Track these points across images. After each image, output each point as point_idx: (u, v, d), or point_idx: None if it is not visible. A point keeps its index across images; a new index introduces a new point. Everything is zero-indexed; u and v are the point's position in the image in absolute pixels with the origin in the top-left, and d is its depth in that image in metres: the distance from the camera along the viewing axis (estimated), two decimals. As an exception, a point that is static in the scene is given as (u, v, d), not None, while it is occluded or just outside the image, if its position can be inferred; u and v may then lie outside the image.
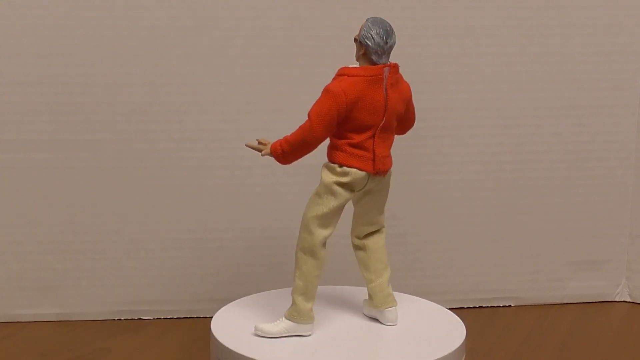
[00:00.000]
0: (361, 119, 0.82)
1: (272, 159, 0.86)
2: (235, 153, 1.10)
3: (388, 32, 0.82)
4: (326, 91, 0.81)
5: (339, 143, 0.83)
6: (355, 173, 0.83)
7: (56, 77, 1.07)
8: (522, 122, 1.16)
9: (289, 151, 0.84)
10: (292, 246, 0.86)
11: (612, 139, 1.18)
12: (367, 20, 0.82)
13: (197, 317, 1.14)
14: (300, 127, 0.82)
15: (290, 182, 1.11)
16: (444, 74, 1.13)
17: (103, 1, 1.06)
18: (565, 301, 1.21)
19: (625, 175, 1.19)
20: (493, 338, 1.09)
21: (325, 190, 0.83)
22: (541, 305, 1.20)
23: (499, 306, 1.20)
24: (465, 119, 1.14)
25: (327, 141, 0.85)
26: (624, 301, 1.22)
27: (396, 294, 0.89)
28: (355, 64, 0.83)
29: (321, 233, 0.83)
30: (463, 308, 1.18)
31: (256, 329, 0.85)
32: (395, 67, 0.82)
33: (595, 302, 1.21)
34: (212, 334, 0.86)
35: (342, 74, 0.82)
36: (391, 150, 0.85)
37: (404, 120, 0.87)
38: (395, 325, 0.87)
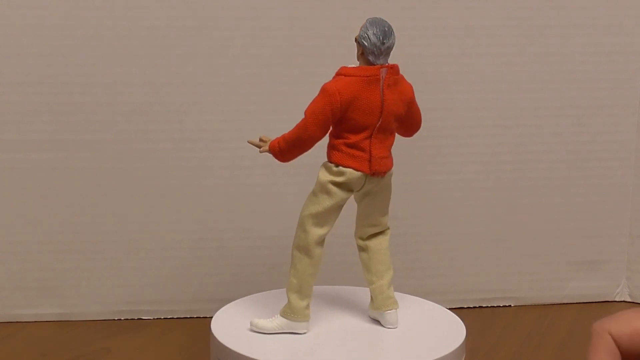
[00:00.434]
0: (357, 119, 0.82)
1: (272, 158, 0.86)
2: (235, 153, 1.10)
3: (386, 33, 0.81)
4: (322, 90, 0.82)
5: (336, 142, 0.83)
6: (350, 173, 0.82)
7: (56, 77, 1.07)
8: (522, 122, 1.16)
9: (285, 149, 0.84)
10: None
11: (612, 139, 1.18)
12: (366, 20, 0.82)
13: (197, 317, 1.14)
14: (297, 125, 0.83)
15: (290, 182, 1.11)
16: (444, 74, 1.13)
17: (103, 1, 1.06)
18: (565, 301, 1.21)
19: (625, 175, 1.19)
20: (493, 338, 1.09)
21: (321, 189, 0.83)
22: (541, 305, 1.20)
23: (499, 306, 1.20)
24: (465, 119, 1.14)
25: (328, 140, 0.85)
26: (624, 301, 1.22)
27: (396, 294, 0.89)
28: (356, 64, 0.83)
29: (316, 232, 0.84)
30: (463, 308, 1.18)
31: (251, 324, 0.85)
32: (394, 68, 0.82)
33: (595, 302, 1.21)
34: (212, 334, 0.86)
35: (339, 73, 0.82)
36: (392, 151, 0.85)
37: (408, 123, 0.86)
38: (396, 327, 0.87)
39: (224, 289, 1.12)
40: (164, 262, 1.12)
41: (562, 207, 1.19)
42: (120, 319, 1.13)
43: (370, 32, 0.81)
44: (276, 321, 0.85)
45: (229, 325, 0.87)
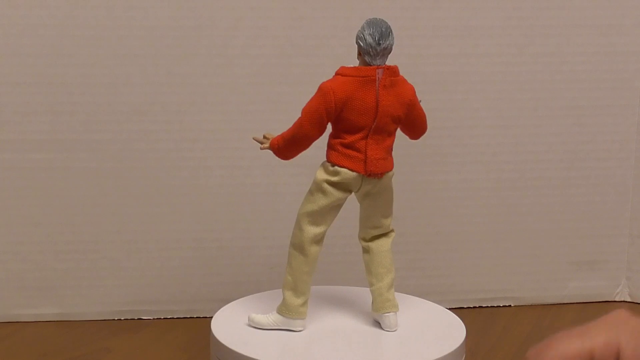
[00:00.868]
0: (351, 119, 0.82)
1: (272, 157, 0.86)
2: (235, 153, 1.11)
3: (383, 34, 0.81)
4: (318, 89, 0.82)
5: (333, 142, 0.83)
6: (345, 173, 0.82)
7: (56, 77, 1.07)
8: (522, 122, 1.16)
9: (283, 147, 0.85)
10: (292, 246, 0.86)
11: (612, 139, 1.18)
12: (365, 20, 0.82)
13: (197, 317, 1.14)
14: (294, 124, 0.84)
15: (290, 182, 1.11)
16: (444, 74, 1.13)
17: (103, 1, 1.06)
18: (565, 301, 1.21)
19: (625, 175, 1.19)
20: (493, 338, 1.09)
21: (317, 188, 0.83)
22: (541, 305, 1.20)
23: (499, 306, 1.20)
24: (465, 119, 1.14)
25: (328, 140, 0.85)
26: (624, 301, 1.22)
27: (396, 294, 0.88)
28: (357, 64, 0.83)
29: (311, 230, 0.84)
30: (463, 308, 1.18)
31: (249, 318, 0.87)
32: (391, 70, 0.82)
33: (595, 302, 1.21)
34: (212, 334, 0.86)
35: (337, 73, 0.83)
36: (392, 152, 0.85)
37: (411, 126, 0.86)
38: (394, 331, 0.86)
39: (224, 289, 1.12)
40: (164, 262, 1.12)
41: (562, 207, 1.19)
42: (120, 319, 1.13)
43: (366, 33, 0.81)
44: (272, 317, 0.86)
45: (229, 325, 0.87)
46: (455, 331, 0.88)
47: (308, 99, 0.84)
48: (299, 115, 0.84)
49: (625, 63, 1.16)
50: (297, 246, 0.85)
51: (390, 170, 0.85)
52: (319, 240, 0.85)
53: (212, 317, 0.90)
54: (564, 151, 1.17)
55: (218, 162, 1.11)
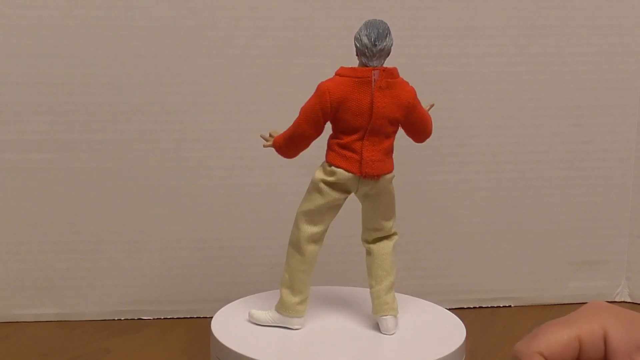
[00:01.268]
0: (347, 120, 0.82)
1: (272, 158, 0.87)
2: (235, 153, 1.10)
3: (379, 35, 0.81)
4: (316, 88, 0.83)
5: (331, 142, 0.84)
6: (341, 173, 0.83)
7: (56, 77, 1.07)
8: (522, 122, 1.16)
9: (283, 145, 0.86)
10: (292, 246, 0.86)
11: (612, 139, 1.18)
12: (364, 21, 0.82)
13: (197, 317, 1.14)
14: (293, 122, 0.85)
15: (290, 182, 1.11)
16: (444, 74, 1.13)
17: (103, 1, 1.06)
18: (565, 301, 1.21)
19: (625, 175, 1.19)
20: (493, 338, 1.09)
21: (314, 187, 0.84)
22: (541, 305, 1.20)
23: (499, 306, 1.20)
24: (465, 119, 1.14)
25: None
26: (624, 301, 1.22)
27: (396, 294, 0.88)
28: (357, 64, 0.83)
29: (308, 229, 0.84)
30: (463, 308, 1.18)
31: (249, 314, 0.88)
32: (387, 71, 0.81)
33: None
34: (212, 334, 0.86)
35: (336, 73, 0.83)
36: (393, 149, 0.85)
37: (413, 129, 0.85)
38: (391, 334, 0.86)
39: (224, 289, 1.12)
40: (164, 262, 1.12)
41: (562, 207, 1.18)
42: (120, 319, 1.13)
43: (362, 33, 0.81)
44: (270, 314, 0.87)
45: (229, 325, 0.87)
46: (455, 331, 0.88)
47: (308, 99, 0.84)
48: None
49: (625, 63, 1.16)
50: (295, 245, 0.85)
51: (389, 172, 0.84)
52: (316, 239, 0.85)
53: (212, 317, 0.90)
54: (564, 151, 1.17)
55: (218, 162, 1.11)
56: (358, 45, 0.81)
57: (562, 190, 1.18)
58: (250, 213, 1.12)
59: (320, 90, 0.82)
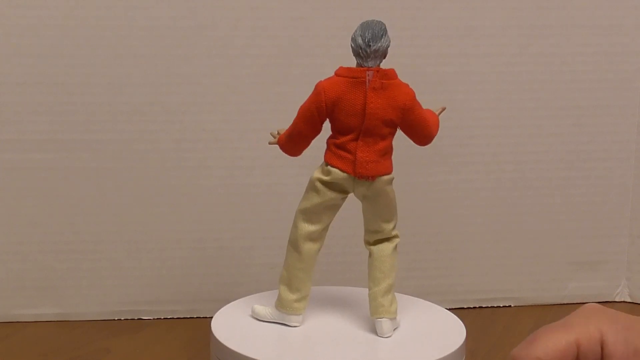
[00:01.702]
0: (341, 120, 0.82)
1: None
2: (235, 153, 1.10)
3: (375, 36, 0.81)
4: (314, 87, 0.83)
5: (329, 142, 0.84)
6: (336, 173, 0.83)
7: (56, 77, 1.07)
8: (522, 122, 1.16)
9: (285, 143, 0.87)
10: (292, 246, 0.86)
11: (612, 139, 1.18)
12: (361, 22, 0.83)
13: (197, 317, 1.14)
14: (292, 121, 0.86)
15: (290, 182, 1.11)
16: (444, 74, 1.13)
17: (103, 1, 1.06)
18: (565, 301, 1.21)
19: (625, 175, 1.19)
20: (493, 338, 1.09)
21: (310, 186, 0.84)
22: (541, 305, 1.20)
23: (499, 306, 1.20)
24: (465, 119, 1.14)
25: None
26: (624, 301, 1.22)
27: (396, 295, 0.88)
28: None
29: (305, 227, 0.85)
30: (463, 308, 1.18)
31: (252, 309, 0.89)
32: (381, 72, 0.81)
33: (595, 302, 1.21)
34: (212, 334, 0.86)
35: (335, 72, 0.83)
36: (392, 151, 0.85)
37: (410, 131, 0.85)
38: (387, 337, 0.85)
39: (224, 289, 1.12)
40: (164, 262, 1.12)
41: (562, 207, 1.18)
42: (120, 319, 1.13)
43: (357, 34, 0.81)
44: (269, 310, 0.88)
45: (229, 325, 0.87)
46: (455, 332, 0.88)
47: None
48: (299, 114, 0.85)
49: (625, 63, 1.16)
50: (293, 242, 0.86)
51: (385, 174, 0.84)
52: (314, 238, 0.85)
53: (212, 317, 0.90)
54: (564, 151, 1.17)
55: (218, 162, 1.11)
56: (353, 45, 0.81)
57: (562, 190, 1.18)
58: (250, 213, 1.12)
59: (317, 90, 0.83)
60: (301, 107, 0.84)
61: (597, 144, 1.18)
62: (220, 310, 0.92)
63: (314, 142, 0.87)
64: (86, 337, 1.08)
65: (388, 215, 0.86)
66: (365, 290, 0.91)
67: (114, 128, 1.09)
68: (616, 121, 1.17)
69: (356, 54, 0.81)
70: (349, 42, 0.85)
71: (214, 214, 1.12)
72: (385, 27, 0.81)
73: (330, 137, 0.84)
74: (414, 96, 0.83)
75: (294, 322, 0.87)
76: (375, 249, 0.87)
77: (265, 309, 0.88)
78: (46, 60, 1.06)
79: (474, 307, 1.19)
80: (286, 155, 0.89)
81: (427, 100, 0.90)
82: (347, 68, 0.82)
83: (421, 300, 0.96)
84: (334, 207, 0.85)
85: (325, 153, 0.85)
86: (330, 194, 0.84)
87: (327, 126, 0.85)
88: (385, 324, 0.85)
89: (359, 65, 0.82)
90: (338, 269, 1.12)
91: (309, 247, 0.85)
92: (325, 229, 0.86)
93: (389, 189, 0.85)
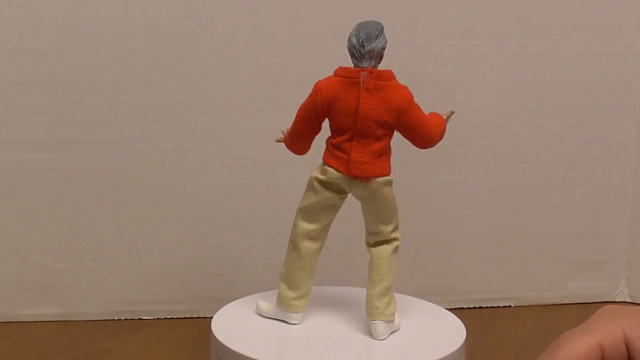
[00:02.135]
0: (337, 120, 0.82)
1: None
2: (235, 153, 1.11)
3: (369, 37, 0.80)
4: (313, 86, 0.83)
5: (327, 142, 0.85)
6: (332, 172, 0.83)
7: (56, 77, 1.07)
8: (522, 123, 1.16)
9: (288, 141, 0.88)
10: (292, 246, 0.86)
11: (612, 139, 1.18)
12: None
13: (197, 317, 1.14)
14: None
15: (290, 182, 1.11)
16: (444, 74, 1.13)
17: (103, 1, 1.06)
18: (565, 301, 1.21)
19: (625, 175, 1.19)
20: (493, 338, 1.09)
21: (309, 184, 0.85)
22: (541, 305, 1.20)
23: (499, 306, 1.20)
24: (465, 119, 1.14)
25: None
26: (624, 301, 1.22)
27: (396, 295, 0.88)
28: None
29: (303, 226, 0.85)
30: (463, 308, 1.18)
31: (257, 304, 0.90)
32: (375, 73, 0.81)
33: (595, 302, 1.21)
34: (212, 334, 0.86)
35: (334, 72, 0.83)
36: (390, 153, 0.84)
37: (407, 133, 0.84)
38: (382, 340, 0.85)
39: (224, 289, 1.12)
40: (164, 262, 1.12)
41: (562, 207, 1.19)
42: (120, 319, 1.13)
43: (352, 34, 0.81)
44: (270, 306, 0.88)
45: (229, 325, 0.87)
46: (455, 332, 0.88)
47: (307, 98, 0.84)
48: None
49: (625, 63, 1.16)
50: (292, 240, 0.87)
51: (380, 175, 0.83)
52: (312, 237, 0.86)
53: (212, 317, 0.90)
54: (564, 151, 1.17)
55: (218, 162, 1.11)
56: (348, 46, 0.82)
57: (562, 190, 1.18)
58: (250, 213, 1.12)
59: (314, 89, 0.83)
60: (300, 106, 0.85)
61: (597, 144, 1.18)
62: (220, 310, 0.92)
63: (315, 142, 0.87)
64: (86, 337, 1.08)
65: (386, 218, 0.85)
66: (363, 290, 0.91)
67: (114, 128, 1.09)
68: (616, 121, 1.17)
69: (351, 54, 0.81)
70: (348, 42, 0.85)
71: (214, 214, 1.12)
72: (381, 28, 0.81)
73: (329, 137, 0.85)
74: (411, 98, 0.82)
75: (294, 320, 0.87)
76: (374, 250, 0.87)
77: (268, 305, 0.89)
78: (46, 60, 1.06)
79: (474, 307, 1.19)
80: (286, 155, 0.89)
81: (427, 101, 0.90)
82: (345, 68, 0.82)
83: (421, 300, 0.96)
84: (332, 207, 0.85)
85: (324, 152, 0.85)
86: (327, 194, 0.84)
87: (327, 126, 0.85)
88: (379, 326, 0.85)
89: (355, 65, 0.82)
90: (338, 269, 1.12)
91: (307, 245, 0.86)
92: (326, 228, 0.86)
93: (385, 191, 0.84)
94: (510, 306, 1.20)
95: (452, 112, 0.90)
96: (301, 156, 0.89)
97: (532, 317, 1.16)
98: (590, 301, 1.21)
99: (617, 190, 1.19)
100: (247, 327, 0.87)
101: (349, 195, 0.86)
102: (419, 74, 1.11)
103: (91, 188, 1.10)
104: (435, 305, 0.95)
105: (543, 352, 0.52)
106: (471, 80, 1.13)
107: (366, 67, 0.81)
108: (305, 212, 0.85)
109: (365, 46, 0.80)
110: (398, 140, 0.87)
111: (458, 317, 0.92)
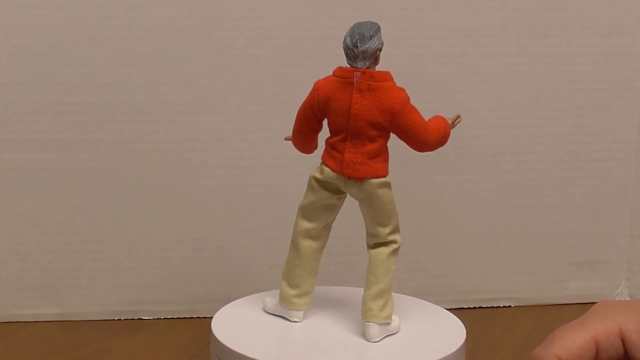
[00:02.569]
0: (332, 119, 0.83)
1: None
2: (235, 153, 1.11)
3: (363, 37, 0.80)
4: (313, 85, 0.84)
5: (326, 141, 0.85)
6: (328, 172, 0.83)
7: (56, 77, 1.07)
8: (522, 123, 1.16)
9: (293, 140, 0.88)
10: (292, 246, 0.86)
11: (612, 139, 1.18)
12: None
13: (197, 317, 1.14)
14: None
15: (290, 182, 1.11)
16: (444, 74, 1.13)
17: (103, 1, 1.06)
18: (565, 301, 1.21)
19: (625, 175, 1.19)
20: (493, 338, 1.09)
21: (308, 183, 0.85)
22: (541, 305, 1.20)
23: (499, 306, 1.20)
24: (465, 119, 1.14)
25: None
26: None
27: (396, 295, 0.88)
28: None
29: (303, 224, 0.85)
30: (463, 308, 1.18)
31: (263, 301, 0.90)
32: (368, 74, 0.80)
33: (595, 302, 1.21)
34: (212, 334, 0.86)
35: (332, 72, 0.83)
36: (389, 154, 0.84)
37: (402, 136, 0.83)
38: (374, 342, 0.84)
39: (224, 289, 1.12)
40: (164, 262, 1.12)
41: (562, 207, 1.19)
42: (120, 319, 1.13)
43: (347, 34, 0.81)
44: (274, 302, 0.89)
45: (229, 325, 0.87)
46: (455, 332, 0.88)
47: (308, 99, 0.84)
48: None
49: (625, 63, 1.16)
50: (293, 239, 0.87)
51: (374, 177, 0.83)
52: (312, 236, 0.86)
53: (212, 317, 0.90)
54: (564, 151, 1.17)
55: (218, 162, 1.11)
56: (343, 46, 0.82)
57: (562, 190, 1.18)
58: (250, 213, 1.12)
59: (313, 88, 0.84)
60: (301, 105, 0.85)
61: (597, 144, 1.18)
62: (220, 310, 0.92)
63: (320, 141, 0.86)
64: (86, 337, 1.08)
65: (383, 220, 0.85)
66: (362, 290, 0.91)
67: (114, 128, 1.09)
68: (616, 121, 1.18)
69: (345, 54, 0.82)
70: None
71: (214, 214, 1.12)
72: (377, 29, 0.81)
73: (328, 137, 0.85)
74: (405, 100, 0.82)
75: (294, 317, 0.87)
76: (372, 252, 0.87)
77: (272, 302, 0.89)
78: (46, 60, 1.06)
79: (474, 307, 1.19)
80: (286, 155, 0.89)
81: (427, 101, 0.90)
82: (342, 68, 0.82)
83: (421, 300, 0.96)
84: (330, 207, 0.85)
85: (323, 152, 0.85)
86: (324, 193, 0.84)
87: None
88: (372, 328, 0.84)
89: (350, 66, 0.82)
90: (338, 269, 1.12)
91: (307, 244, 0.86)
92: (326, 227, 0.86)
93: (381, 193, 0.83)
94: (510, 306, 1.20)
95: (459, 117, 0.89)
96: (300, 156, 0.89)
97: (532, 317, 1.16)
98: (590, 301, 1.21)
99: (617, 190, 1.19)
100: (247, 327, 0.87)
101: (349, 196, 0.86)
102: (418, 74, 1.10)
103: (91, 188, 1.10)
104: (435, 306, 0.95)
105: (538, 346, 0.52)
106: (471, 80, 1.13)
107: (360, 68, 0.81)
108: (305, 211, 0.85)
109: (359, 46, 0.80)
110: (398, 140, 0.87)
111: (458, 317, 0.92)
